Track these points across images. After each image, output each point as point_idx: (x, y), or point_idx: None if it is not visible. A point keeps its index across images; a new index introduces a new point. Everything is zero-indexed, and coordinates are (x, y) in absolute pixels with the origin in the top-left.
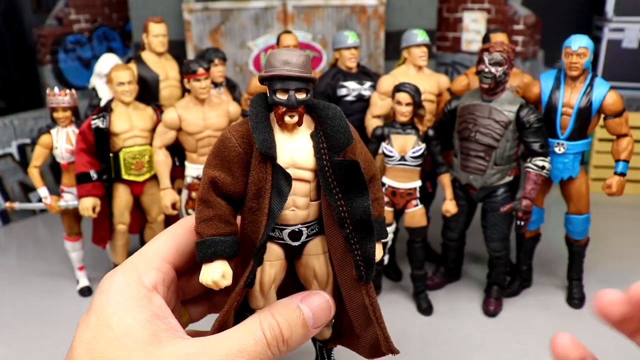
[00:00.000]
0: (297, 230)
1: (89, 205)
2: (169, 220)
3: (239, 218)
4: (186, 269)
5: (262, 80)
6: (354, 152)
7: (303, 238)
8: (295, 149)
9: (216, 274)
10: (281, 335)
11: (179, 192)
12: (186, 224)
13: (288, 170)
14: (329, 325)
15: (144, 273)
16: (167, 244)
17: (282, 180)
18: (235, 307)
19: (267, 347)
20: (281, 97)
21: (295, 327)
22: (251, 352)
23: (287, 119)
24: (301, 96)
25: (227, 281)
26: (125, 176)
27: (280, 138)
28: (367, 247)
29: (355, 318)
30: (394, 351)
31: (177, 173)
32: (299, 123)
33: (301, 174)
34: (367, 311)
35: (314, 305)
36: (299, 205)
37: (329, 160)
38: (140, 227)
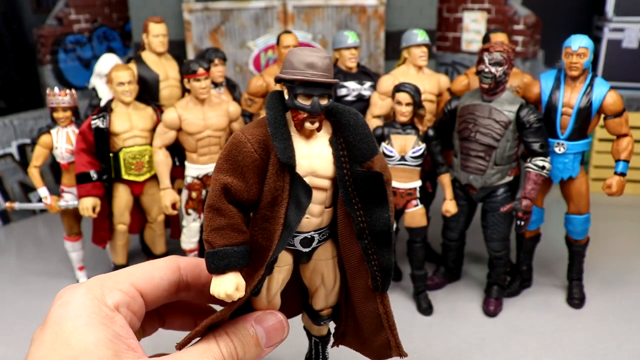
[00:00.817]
0: (309, 237)
1: (89, 205)
2: (169, 220)
3: None
4: (157, 304)
5: (281, 80)
6: (373, 160)
7: (314, 244)
8: (314, 155)
9: (230, 287)
10: (236, 353)
11: (179, 192)
12: (170, 261)
13: (306, 179)
14: (328, 323)
15: (109, 292)
16: (142, 272)
17: (301, 191)
18: (234, 309)
19: None
20: (304, 102)
21: (248, 346)
22: None
23: (307, 125)
24: (324, 102)
25: (241, 293)
26: (125, 176)
27: (298, 144)
28: (385, 258)
29: (366, 325)
30: (402, 354)
31: (177, 173)
32: (319, 129)
33: (319, 183)
34: (381, 319)
35: (268, 325)
36: (313, 213)
37: (350, 169)
38: (140, 227)
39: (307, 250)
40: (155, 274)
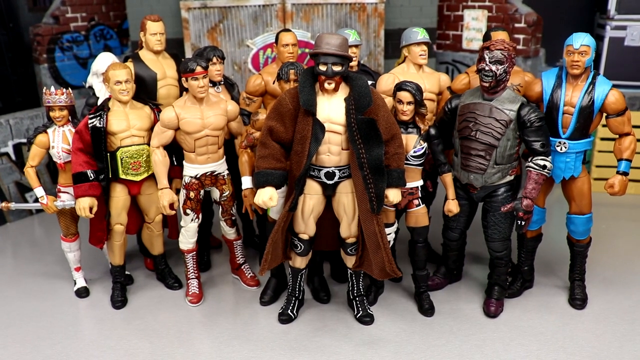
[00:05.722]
0: (331, 171)
1: (86, 206)
2: (167, 221)
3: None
4: None
5: (311, 56)
6: (377, 113)
7: (336, 178)
8: (332, 108)
9: (265, 196)
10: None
11: (177, 192)
12: None
13: (325, 124)
14: (354, 253)
15: None
16: None
17: (318, 129)
18: (283, 227)
19: None
20: (322, 68)
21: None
22: None
23: (326, 85)
24: (337, 68)
25: (273, 202)
26: (122, 176)
27: (321, 100)
28: (379, 186)
29: (369, 242)
30: (396, 273)
31: (175, 173)
32: (336, 89)
33: (334, 127)
34: (377, 237)
35: None
36: (332, 152)
37: (355, 117)
38: (138, 227)
39: (330, 182)
40: None
